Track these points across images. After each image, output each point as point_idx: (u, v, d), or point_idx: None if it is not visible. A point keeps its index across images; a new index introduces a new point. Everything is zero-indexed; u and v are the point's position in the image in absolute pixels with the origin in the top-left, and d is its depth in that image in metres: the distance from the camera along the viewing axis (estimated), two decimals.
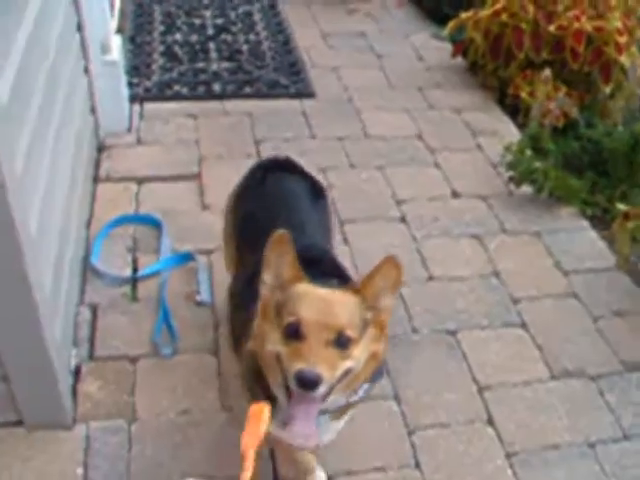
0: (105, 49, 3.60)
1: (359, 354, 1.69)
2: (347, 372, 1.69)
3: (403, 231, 3.23)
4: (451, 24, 4.47)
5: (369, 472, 2.33)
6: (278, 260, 1.74)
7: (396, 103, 4.18)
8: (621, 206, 3.03)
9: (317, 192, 2.44)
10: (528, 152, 3.49)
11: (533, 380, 2.65)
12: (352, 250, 3.11)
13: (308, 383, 1.60)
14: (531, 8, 4.02)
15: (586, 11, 4.06)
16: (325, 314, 1.67)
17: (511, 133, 3.92)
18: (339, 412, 1.86)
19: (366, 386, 1.83)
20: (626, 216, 2.97)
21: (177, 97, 4.20)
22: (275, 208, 2.28)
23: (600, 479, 2.38)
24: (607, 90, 4.03)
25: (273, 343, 1.69)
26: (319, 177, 2.57)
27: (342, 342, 1.65)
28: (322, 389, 1.62)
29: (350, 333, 1.66)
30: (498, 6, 4.11)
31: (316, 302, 1.70)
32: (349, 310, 1.70)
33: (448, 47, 4.64)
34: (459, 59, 4.54)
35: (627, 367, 2.74)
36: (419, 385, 2.61)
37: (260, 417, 1.64)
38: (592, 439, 2.49)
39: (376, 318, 1.74)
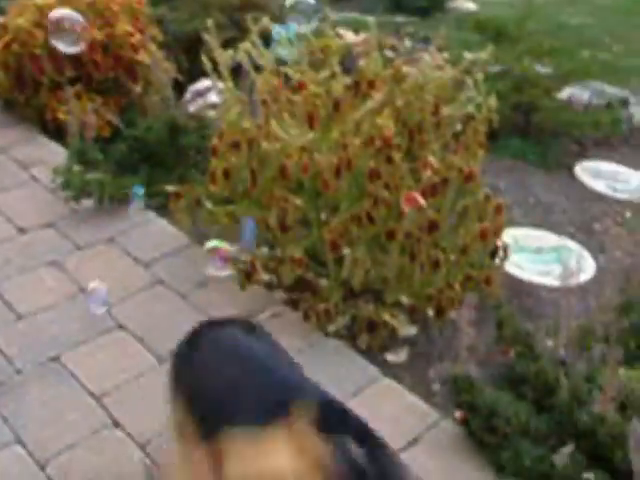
0: None
1: None
2: None
3: None
4: None
5: None
6: None
7: None
8: (170, 187, 3.21)
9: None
10: (77, 168, 3.56)
11: (145, 371, 2.75)
12: None
13: None
14: (39, 33, 4.05)
15: (94, 22, 4.19)
16: None
17: (61, 156, 3.93)
18: None
19: None
20: (177, 195, 3.16)
21: None
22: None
23: None
24: (138, 89, 4.23)
25: None
26: None
27: None
28: None
29: None
30: (7, 38, 4.10)
31: None
32: None
33: None
34: None
35: None
36: (38, 420, 2.59)
37: None
38: None
39: None
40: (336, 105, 2.80)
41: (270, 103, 2.92)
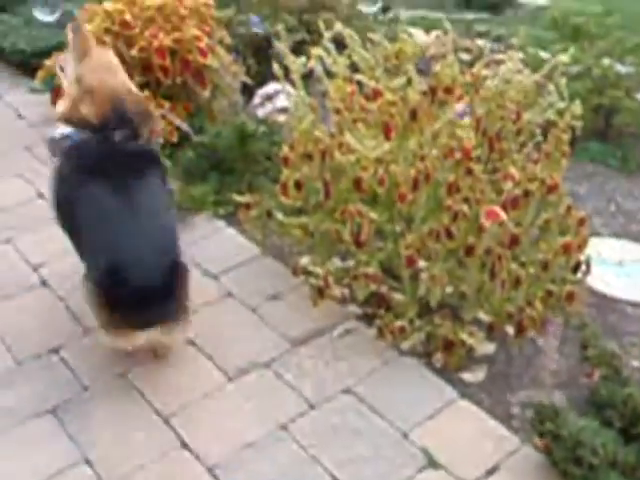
0: None
1: None
2: None
3: (46, 295, 3.12)
4: (40, 74, 4.38)
5: None
6: None
7: (7, 170, 4.00)
8: (239, 198, 3.13)
9: None
10: None
11: (212, 390, 2.68)
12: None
13: None
14: (107, 38, 4.02)
15: (162, 27, 4.14)
16: None
17: None
18: None
19: None
20: (247, 206, 3.08)
21: None
22: None
23: (301, 456, 2.46)
24: (206, 94, 4.16)
25: None
26: None
27: None
28: None
29: None
30: None
31: None
32: None
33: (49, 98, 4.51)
34: None
35: (295, 343, 2.86)
36: (105, 440, 2.53)
37: None
38: (282, 421, 2.57)
39: None
40: (413, 114, 2.68)
41: (343, 111, 2.81)
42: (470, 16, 6.91)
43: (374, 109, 2.74)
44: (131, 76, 4.00)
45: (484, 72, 3.14)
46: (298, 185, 2.85)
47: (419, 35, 6.07)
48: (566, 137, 2.88)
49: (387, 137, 2.66)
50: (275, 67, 2.94)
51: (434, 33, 6.08)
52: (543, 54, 5.43)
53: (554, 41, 5.90)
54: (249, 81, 4.38)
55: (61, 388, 2.71)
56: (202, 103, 4.19)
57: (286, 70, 3.05)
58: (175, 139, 3.96)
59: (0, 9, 5.66)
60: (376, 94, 2.74)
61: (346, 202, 2.72)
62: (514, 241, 2.64)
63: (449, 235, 2.59)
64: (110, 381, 2.73)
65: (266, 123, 4.04)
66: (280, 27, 3.14)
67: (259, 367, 2.76)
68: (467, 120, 2.60)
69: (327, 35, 2.98)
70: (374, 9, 6.18)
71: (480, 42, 5.82)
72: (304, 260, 3.12)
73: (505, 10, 7.06)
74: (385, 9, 6.21)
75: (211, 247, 3.33)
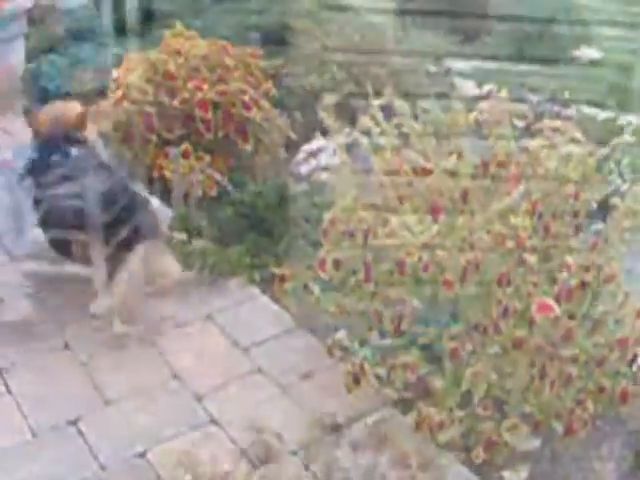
0: None
1: None
2: None
3: (67, 357, 2.98)
4: None
5: None
6: None
7: None
8: (276, 270, 2.98)
9: None
10: (179, 235, 3.38)
11: (235, 478, 2.50)
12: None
13: None
14: (150, 88, 3.92)
15: (206, 78, 4.03)
16: None
17: (166, 217, 3.77)
18: None
19: None
20: (282, 279, 2.92)
21: None
22: None
23: None
24: (248, 148, 4.03)
25: None
26: None
27: None
28: None
29: None
30: (119, 94, 3.98)
31: None
32: None
33: None
34: None
35: (325, 429, 2.67)
36: None
37: None
38: None
39: None
40: (464, 195, 2.51)
41: (389, 187, 2.65)
42: (523, 67, 6.79)
43: (422, 185, 2.57)
44: (171, 128, 3.94)
45: (539, 142, 2.98)
46: (337, 264, 2.68)
47: (470, 88, 5.93)
48: (627, 223, 2.69)
49: (435, 218, 2.49)
50: (321, 138, 2.79)
51: (486, 87, 5.95)
52: (600, 114, 5.25)
53: (607, 96, 5.73)
54: (294, 136, 4.24)
55: (77, 466, 2.56)
56: (244, 158, 4.05)
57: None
58: (214, 193, 3.84)
59: (49, 49, 5.63)
60: (425, 172, 2.58)
61: (387, 284, 2.55)
62: (567, 336, 2.45)
63: (497, 329, 2.40)
64: (128, 461, 2.58)
65: (309, 181, 3.90)
66: (328, 103, 2.99)
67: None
68: (522, 205, 2.42)
69: (376, 103, 2.82)
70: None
71: (533, 98, 5.66)
72: (340, 335, 2.95)
73: (558, 63, 6.92)
74: None
75: (244, 316, 3.18)
